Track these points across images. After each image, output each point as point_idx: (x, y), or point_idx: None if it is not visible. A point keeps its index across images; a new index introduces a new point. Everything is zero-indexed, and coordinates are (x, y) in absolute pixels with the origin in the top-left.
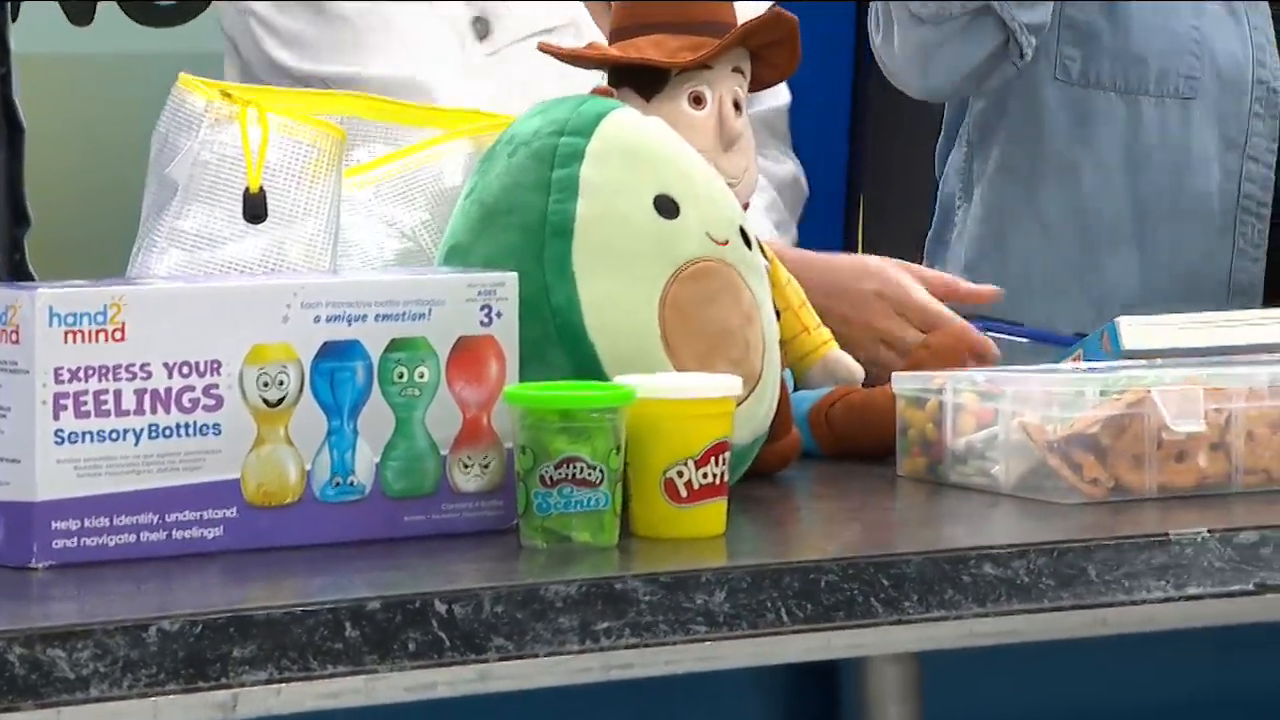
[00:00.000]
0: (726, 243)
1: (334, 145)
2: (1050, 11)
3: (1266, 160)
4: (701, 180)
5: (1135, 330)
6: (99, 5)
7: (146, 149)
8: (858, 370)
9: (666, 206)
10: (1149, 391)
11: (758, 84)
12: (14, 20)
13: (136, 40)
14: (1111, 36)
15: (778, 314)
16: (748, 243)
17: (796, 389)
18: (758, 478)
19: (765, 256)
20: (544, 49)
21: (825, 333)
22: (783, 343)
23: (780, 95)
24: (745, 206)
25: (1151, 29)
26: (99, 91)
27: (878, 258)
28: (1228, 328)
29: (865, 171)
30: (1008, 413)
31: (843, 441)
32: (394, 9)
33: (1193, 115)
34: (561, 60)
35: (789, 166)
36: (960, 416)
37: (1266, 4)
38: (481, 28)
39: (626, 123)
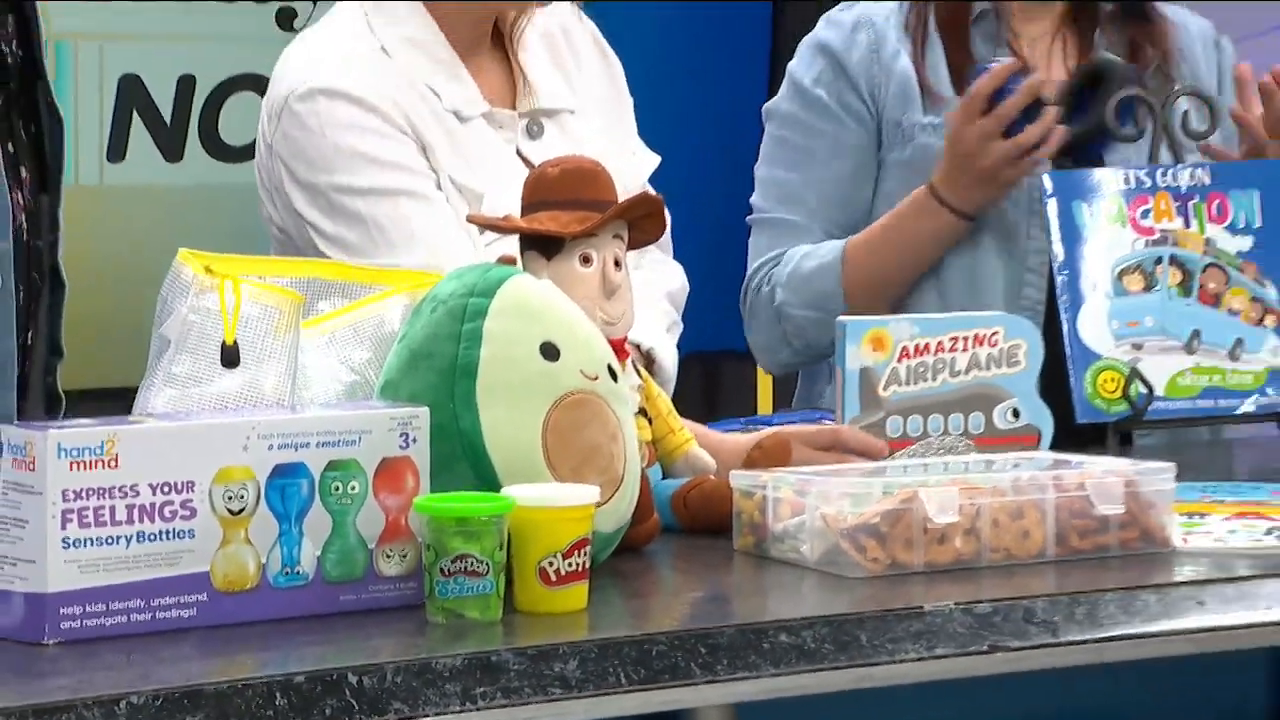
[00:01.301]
0: (597, 378)
1: (293, 307)
2: None
3: (1042, 271)
4: (579, 330)
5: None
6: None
7: None
8: (711, 464)
9: (550, 351)
10: (917, 491)
11: (634, 245)
12: (122, 159)
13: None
14: None
15: (649, 420)
16: (614, 376)
17: (665, 477)
18: (628, 551)
19: (640, 377)
20: (472, 220)
21: (687, 433)
22: (654, 442)
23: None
24: (625, 338)
25: None
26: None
27: None
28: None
29: None
30: (813, 505)
31: (696, 520)
32: (420, 218)
33: (980, 238)
34: (488, 229)
35: (679, 276)
36: (779, 506)
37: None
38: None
39: (522, 286)
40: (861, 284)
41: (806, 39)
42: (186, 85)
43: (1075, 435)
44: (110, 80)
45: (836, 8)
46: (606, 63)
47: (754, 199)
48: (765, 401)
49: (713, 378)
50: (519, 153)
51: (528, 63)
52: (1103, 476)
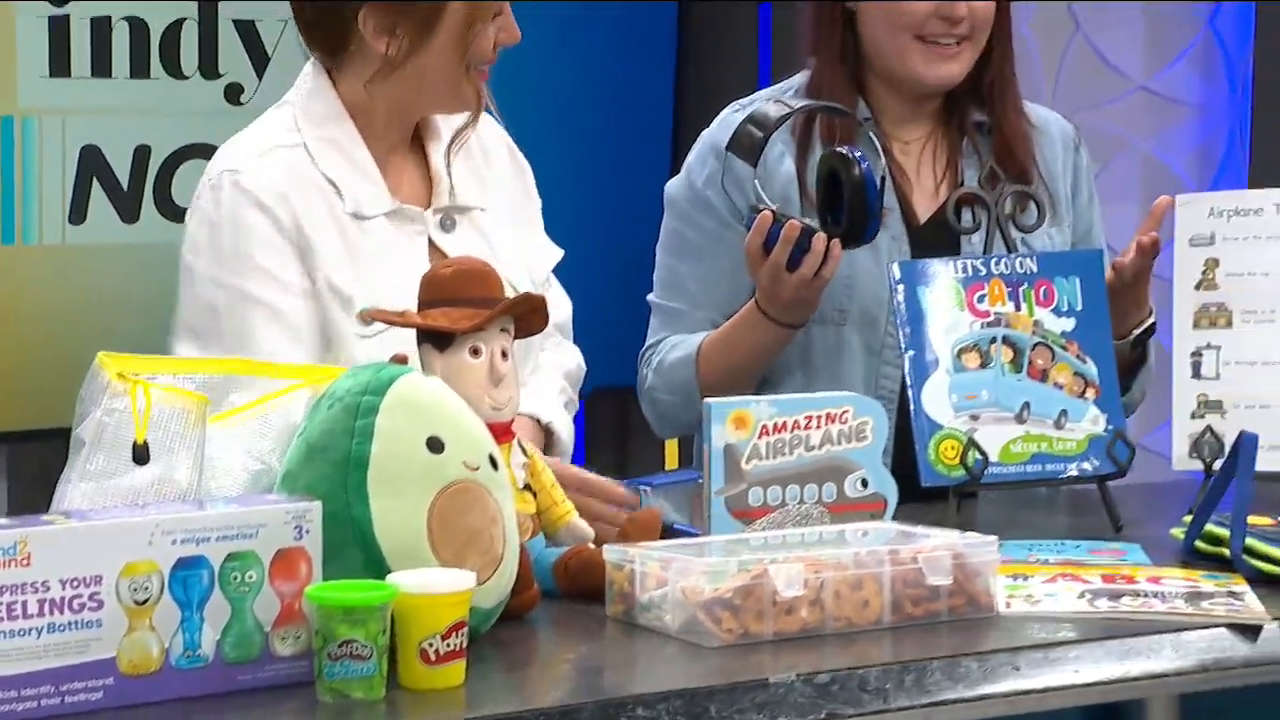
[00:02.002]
0: (478, 468)
1: (199, 407)
2: None
3: (896, 363)
4: (463, 425)
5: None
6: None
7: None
8: (590, 533)
9: (436, 445)
10: (767, 568)
11: (520, 335)
12: (83, 221)
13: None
14: None
15: (534, 494)
16: (494, 465)
17: (549, 545)
18: (510, 619)
19: (526, 454)
20: (373, 316)
21: (569, 505)
22: (539, 513)
23: (565, 309)
24: (512, 421)
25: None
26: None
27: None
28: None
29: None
30: (675, 579)
31: (575, 586)
32: (262, 331)
33: (844, 333)
34: (388, 324)
35: (575, 357)
36: (646, 579)
37: (907, 246)
38: None
39: (411, 384)
40: (712, 378)
41: (703, 135)
42: (142, 154)
43: (924, 495)
44: (72, 151)
45: (730, 107)
46: (516, 165)
47: (654, 278)
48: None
49: (629, 412)
50: (433, 244)
51: (441, 162)
52: (933, 550)
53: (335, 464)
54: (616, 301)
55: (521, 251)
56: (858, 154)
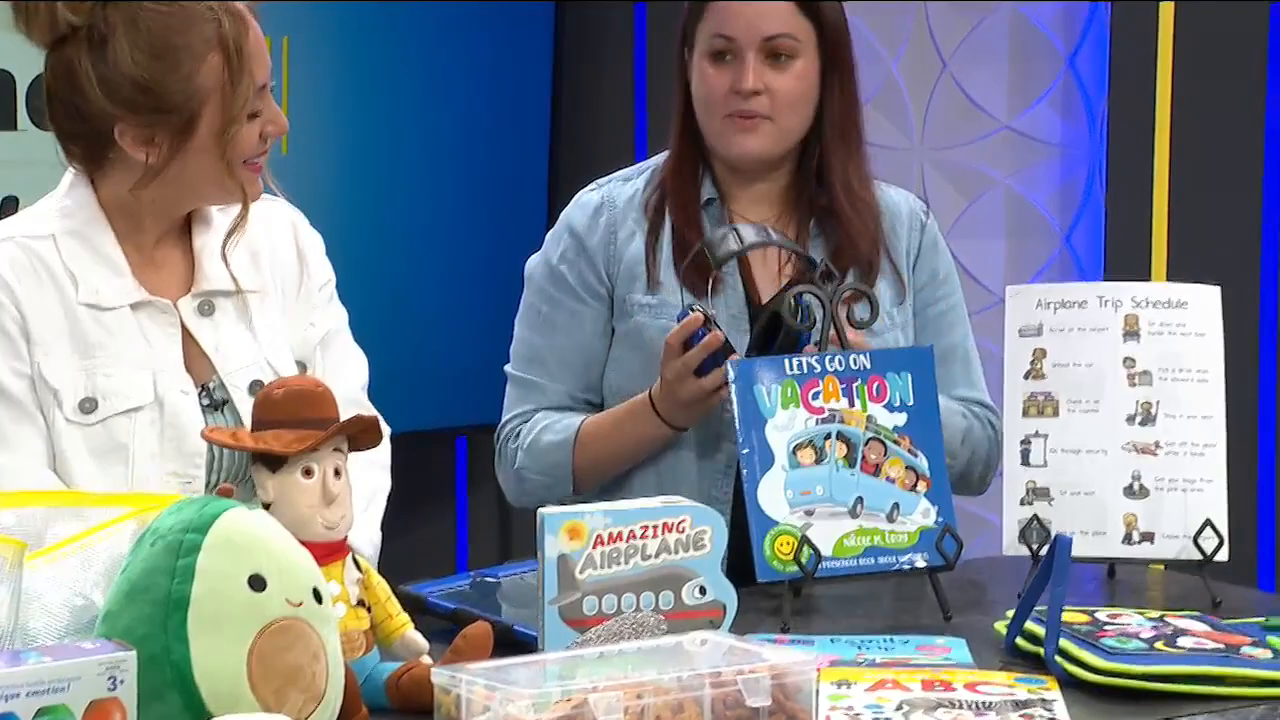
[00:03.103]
0: (301, 604)
1: (15, 552)
2: None
3: (731, 460)
4: (287, 560)
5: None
6: None
7: None
8: (423, 646)
9: (257, 583)
10: (587, 698)
11: (356, 449)
12: None
13: None
14: None
15: (368, 609)
16: (319, 599)
17: (384, 660)
18: None
19: (360, 569)
20: (208, 438)
21: (404, 617)
22: (373, 627)
23: (358, 375)
24: (346, 538)
25: None
26: None
27: None
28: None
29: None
30: (499, 705)
31: (407, 703)
32: None
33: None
34: (222, 446)
35: (379, 455)
36: (471, 702)
37: (747, 326)
38: None
39: (234, 522)
40: (587, 465)
41: (564, 212)
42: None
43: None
44: None
45: (588, 188)
46: (298, 246)
47: (511, 350)
48: None
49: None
50: (188, 332)
51: (203, 249)
52: (751, 672)
53: (156, 604)
54: (494, 307)
55: (290, 331)
56: (805, 306)
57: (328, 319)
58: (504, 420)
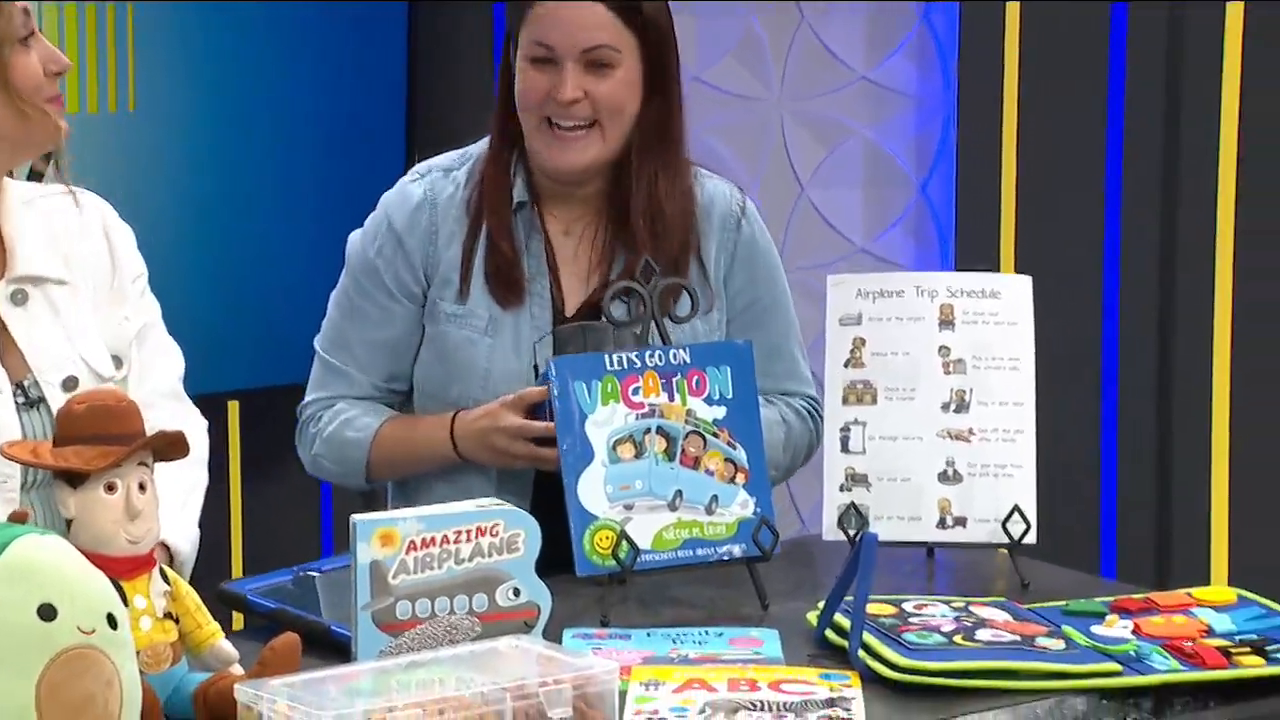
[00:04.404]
0: (94, 631)
1: None
2: None
3: None
4: (80, 587)
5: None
6: None
7: None
8: (234, 655)
9: (47, 612)
10: (386, 716)
11: (162, 460)
12: None
13: None
14: None
15: (176, 620)
16: (114, 624)
17: (192, 670)
18: None
19: (168, 581)
20: (5, 454)
21: (214, 626)
22: (183, 637)
23: (173, 370)
24: (151, 553)
25: None
26: None
27: None
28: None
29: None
30: None
31: (214, 715)
32: None
33: None
34: (22, 464)
35: (196, 461)
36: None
37: (550, 340)
38: None
39: (24, 550)
40: (380, 466)
41: (384, 198)
42: None
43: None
44: None
45: (411, 173)
46: (109, 239)
47: (322, 326)
48: None
49: None
50: (1, 323)
51: (13, 233)
52: (554, 683)
53: None
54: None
55: (103, 326)
56: (627, 302)
57: (141, 313)
58: (307, 399)
